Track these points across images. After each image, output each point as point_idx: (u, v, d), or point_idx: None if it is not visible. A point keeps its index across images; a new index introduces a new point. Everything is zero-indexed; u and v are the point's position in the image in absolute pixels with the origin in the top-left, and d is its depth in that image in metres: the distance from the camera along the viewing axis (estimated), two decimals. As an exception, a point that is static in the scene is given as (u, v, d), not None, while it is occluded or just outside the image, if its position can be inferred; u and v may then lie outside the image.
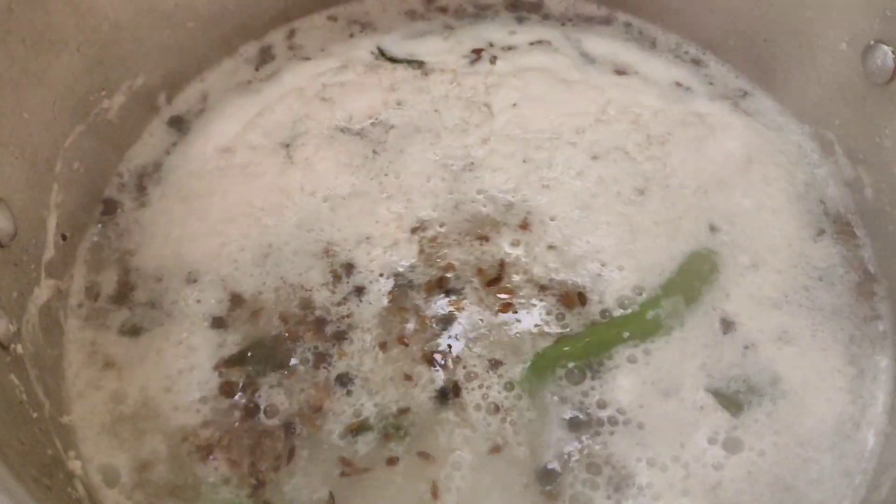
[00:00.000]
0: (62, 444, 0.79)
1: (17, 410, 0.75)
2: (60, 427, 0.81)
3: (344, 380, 0.85)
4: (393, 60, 1.05)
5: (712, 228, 0.93)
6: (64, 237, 0.91)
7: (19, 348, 0.79)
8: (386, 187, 0.96)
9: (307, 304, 0.88)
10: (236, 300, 0.89)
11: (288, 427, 0.82)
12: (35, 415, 0.78)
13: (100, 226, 0.96)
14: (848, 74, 0.91)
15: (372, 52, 1.06)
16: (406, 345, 0.86)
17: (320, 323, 0.87)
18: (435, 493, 0.79)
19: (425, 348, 0.86)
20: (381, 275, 0.89)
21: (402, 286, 0.90)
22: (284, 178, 0.96)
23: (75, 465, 0.78)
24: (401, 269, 0.90)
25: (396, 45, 1.08)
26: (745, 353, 0.86)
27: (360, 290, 0.88)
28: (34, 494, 0.65)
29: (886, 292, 0.90)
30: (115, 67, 0.95)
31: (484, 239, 0.91)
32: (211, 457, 0.81)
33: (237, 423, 0.82)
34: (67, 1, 0.87)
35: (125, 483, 0.82)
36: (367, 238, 0.92)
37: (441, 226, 0.92)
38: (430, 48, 1.07)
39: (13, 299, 0.81)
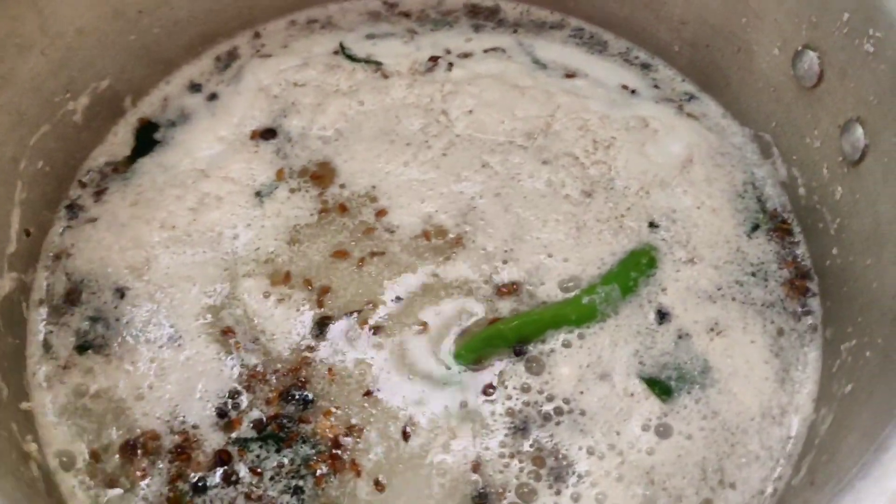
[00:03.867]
0: (19, 429, 0.83)
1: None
2: (18, 412, 0.85)
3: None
4: (352, 59, 1.11)
5: (652, 225, 0.99)
6: (28, 233, 0.96)
7: (-20, 332, 0.84)
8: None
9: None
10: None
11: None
12: (-8, 398, 0.82)
13: (62, 224, 1.01)
14: (781, 78, 0.98)
15: (335, 50, 1.12)
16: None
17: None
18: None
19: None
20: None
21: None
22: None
23: (31, 448, 0.82)
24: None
25: (357, 44, 1.14)
26: (677, 342, 0.92)
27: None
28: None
29: (818, 288, 0.95)
30: (80, 70, 1.01)
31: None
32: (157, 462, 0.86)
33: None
34: (32, 5, 0.92)
35: (80, 468, 0.87)
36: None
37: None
38: (390, 50, 1.13)
39: (-24, 288, 0.85)
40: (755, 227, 0.99)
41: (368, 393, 0.88)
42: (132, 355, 0.91)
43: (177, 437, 0.87)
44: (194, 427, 0.88)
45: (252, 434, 0.87)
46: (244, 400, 0.89)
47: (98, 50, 1.02)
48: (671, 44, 1.11)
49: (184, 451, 0.86)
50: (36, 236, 0.97)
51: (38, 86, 0.95)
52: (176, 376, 0.90)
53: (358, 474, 0.85)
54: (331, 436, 0.86)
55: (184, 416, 0.88)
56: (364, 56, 1.12)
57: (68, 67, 0.99)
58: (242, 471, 0.85)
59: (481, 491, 0.84)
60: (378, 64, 1.11)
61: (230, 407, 0.89)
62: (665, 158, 1.03)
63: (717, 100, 1.09)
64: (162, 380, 0.90)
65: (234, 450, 0.86)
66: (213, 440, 0.87)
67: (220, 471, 0.85)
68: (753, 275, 0.96)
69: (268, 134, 1.05)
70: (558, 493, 0.84)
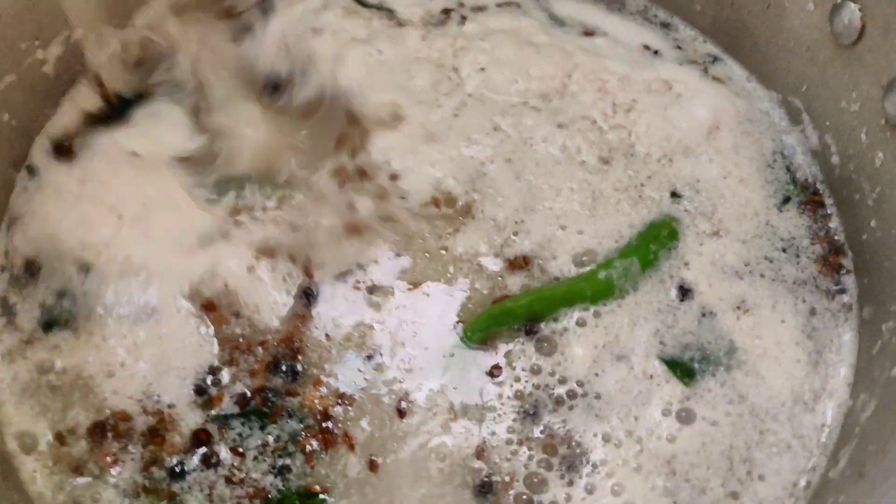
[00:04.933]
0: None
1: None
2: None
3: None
4: (363, 4, 1.04)
5: (674, 195, 0.93)
6: (-8, 188, 0.87)
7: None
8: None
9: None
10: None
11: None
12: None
13: (25, 185, 0.92)
14: (815, 36, 0.92)
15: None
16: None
17: None
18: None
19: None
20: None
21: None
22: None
23: None
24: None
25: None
26: (701, 321, 0.86)
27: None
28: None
29: (852, 264, 0.89)
30: (50, 15, 0.92)
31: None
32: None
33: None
34: (-5, -60, 0.83)
35: (43, 452, 0.80)
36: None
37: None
38: None
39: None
40: (786, 200, 0.93)
41: (370, 357, 0.82)
42: (102, 330, 0.84)
43: (150, 417, 0.80)
44: (170, 406, 0.80)
45: (234, 410, 0.80)
46: (225, 375, 0.82)
47: (68, -8, 0.93)
48: (693, 2, 1.04)
49: (158, 432, 0.79)
50: (-1, 197, 0.89)
51: (1, 30, 0.87)
52: (150, 352, 0.83)
53: (351, 448, 0.79)
54: (320, 408, 0.80)
55: (158, 395, 0.81)
56: (376, 2, 1.05)
57: (36, 12, 0.90)
58: (223, 451, 0.78)
59: (485, 479, 0.77)
60: (390, 11, 1.04)
61: (210, 383, 0.81)
62: (689, 124, 0.96)
63: (742, 62, 1.03)
64: (135, 357, 0.83)
65: (213, 428, 0.79)
66: (191, 419, 0.80)
67: (198, 452, 0.78)
68: (784, 250, 0.90)
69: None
70: (571, 483, 0.78)
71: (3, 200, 0.90)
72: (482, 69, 0.99)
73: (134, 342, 0.83)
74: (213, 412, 0.80)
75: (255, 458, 0.78)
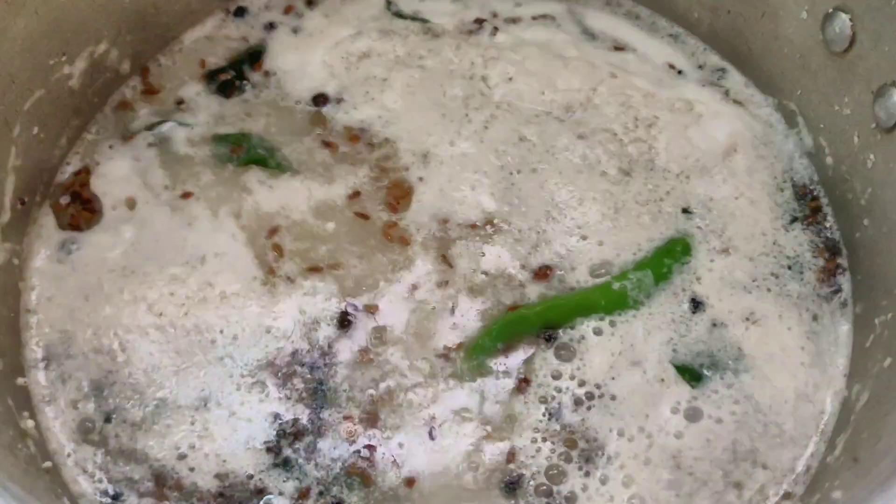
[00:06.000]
0: (15, 404, 0.78)
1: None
2: (16, 388, 0.81)
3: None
4: (401, 16, 1.06)
5: (686, 211, 0.98)
6: (22, 202, 0.91)
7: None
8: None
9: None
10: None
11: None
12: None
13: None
14: (808, 44, 0.95)
15: (385, 5, 1.07)
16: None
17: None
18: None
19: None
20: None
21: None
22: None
23: (28, 425, 0.78)
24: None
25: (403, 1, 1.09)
26: (711, 331, 0.92)
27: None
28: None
29: (847, 263, 0.94)
30: (76, 32, 0.94)
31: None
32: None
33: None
34: (22, -39, 0.86)
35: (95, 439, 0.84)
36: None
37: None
38: (437, 8, 1.08)
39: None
40: (793, 220, 0.98)
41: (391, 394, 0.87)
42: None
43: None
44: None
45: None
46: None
47: (93, 10, 0.95)
48: (690, 10, 1.08)
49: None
50: (30, 206, 0.91)
51: (31, 47, 0.89)
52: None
53: (395, 465, 0.84)
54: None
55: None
56: (411, 13, 1.07)
57: (63, 29, 0.93)
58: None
59: (514, 477, 0.84)
60: (424, 21, 1.06)
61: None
62: (708, 144, 1.00)
63: (740, 69, 1.07)
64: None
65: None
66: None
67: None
68: (790, 268, 0.96)
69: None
70: (587, 474, 0.84)
71: (36, 209, 0.92)
72: (510, 78, 1.02)
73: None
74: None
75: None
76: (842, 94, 0.92)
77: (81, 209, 0.94)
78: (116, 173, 0.96)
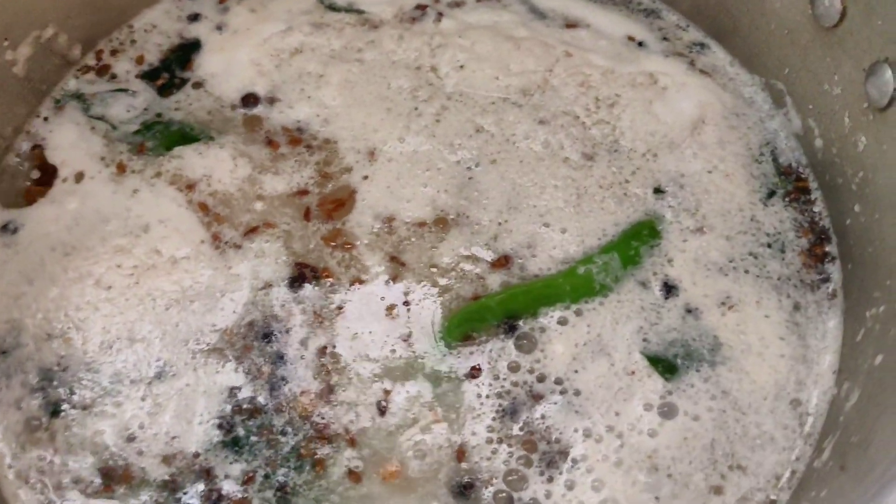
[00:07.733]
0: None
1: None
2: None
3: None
4: (334, 9, 1.03)
5: (658, 191, 0.93)
6: (-40, 197, 0.86)
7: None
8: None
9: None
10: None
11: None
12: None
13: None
14: (797, 19, 0.92)
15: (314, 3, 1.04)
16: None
17: None
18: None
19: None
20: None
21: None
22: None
23: None
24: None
25: (333, -10, 1.07)
26: (685, 318, 0.86)
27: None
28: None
29: (837, 251, 0.88)
30: (18, 15, 0.91)
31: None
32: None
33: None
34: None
35: None
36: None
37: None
38: None
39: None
40: (771, 194, 0.92)
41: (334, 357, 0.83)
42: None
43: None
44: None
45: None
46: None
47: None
48: (675, -15, 1.02)
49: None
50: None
51: (-32, 30, 0.86)
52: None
53: (352, 443, 0.80)
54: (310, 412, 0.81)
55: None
56: (345, 4, 1.03)
57: (4, 13, 0.89)
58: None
59: (466, 481, 0.76)
60: (360, 12, 1.02)
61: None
62: (675, 118, 0.95)
63: (725, 46, 1.02)
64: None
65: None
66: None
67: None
68: (769, 246, 0.89)
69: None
70: (550, 479, 0.77)
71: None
72: (461, 66, 0.98)
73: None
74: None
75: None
76: (832, 71, 0.86)
77: (35, 183, 0.92)
78: (65, 143, 0.94)
